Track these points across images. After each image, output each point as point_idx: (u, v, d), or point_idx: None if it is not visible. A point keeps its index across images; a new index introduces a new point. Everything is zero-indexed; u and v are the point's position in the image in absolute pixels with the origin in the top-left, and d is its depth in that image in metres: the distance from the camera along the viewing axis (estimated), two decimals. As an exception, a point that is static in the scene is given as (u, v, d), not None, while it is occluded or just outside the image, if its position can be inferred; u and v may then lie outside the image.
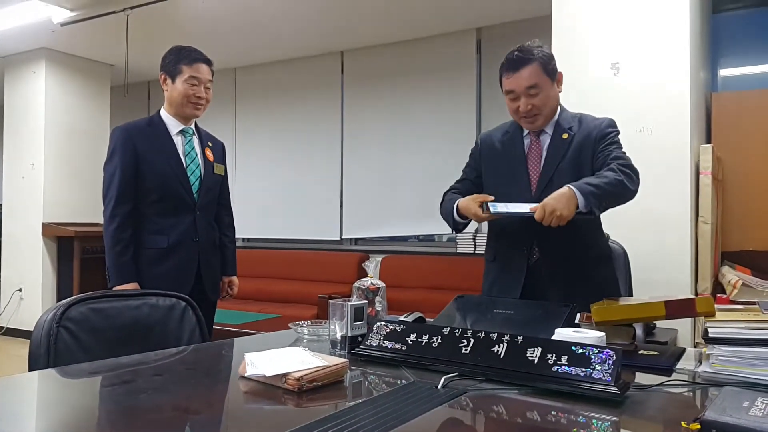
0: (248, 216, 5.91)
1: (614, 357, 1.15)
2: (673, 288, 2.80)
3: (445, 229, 4.90)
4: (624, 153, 1.90)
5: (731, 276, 2.94)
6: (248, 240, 6.13)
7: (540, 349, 1.22)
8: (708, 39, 3.74)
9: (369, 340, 1.40)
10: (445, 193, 2.12)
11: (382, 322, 1.43)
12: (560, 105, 2.02)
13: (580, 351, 1.18)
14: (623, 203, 1.89)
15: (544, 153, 1.94)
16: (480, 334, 1.30)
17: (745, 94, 3.47)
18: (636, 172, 1.84)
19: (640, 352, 1.49)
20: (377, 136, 5.37)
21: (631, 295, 2.47)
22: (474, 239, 4.66)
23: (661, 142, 2.84)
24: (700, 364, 1.38)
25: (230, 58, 5.76)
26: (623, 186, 1.77)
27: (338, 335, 1.47)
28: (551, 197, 1.72)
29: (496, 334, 1.29)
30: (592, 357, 1.16)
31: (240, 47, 5.47)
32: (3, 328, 5.79)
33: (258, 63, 6.00)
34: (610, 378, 1.11)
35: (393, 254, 5.25)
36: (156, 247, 2.33)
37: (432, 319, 1.91)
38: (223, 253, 2.59)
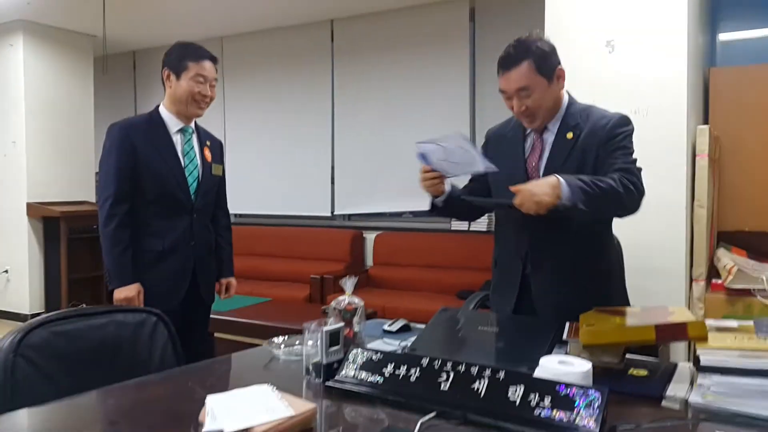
0: (238, 191, 5.77)
1: (600, 399, 1.09)
2: (667, 274, 2.73)
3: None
4: (632, 162, 1.72)
5: (726, 260, 2.88)
6: (239, 216, 6.04)
7: (522, 387, 1.15)
8: (708, 7, 3.57)
9: (344, 370, 1.33)
10: None
11: (359, 350, 1.36)
12: (569, 97, 1.84)
13: (564, 392, 1.11)
14: (616, 216, 1.77)
15: (546, 154, 1.79)
16: (460, 367, 1.23)
17: (744, 70, 3.33)
18: (640, 190, 1.67)
19: (629, 372, 1.43)
20: (369, 108, 5.23)
21: (624, 287, 2.39)
22: (467, 216, 4.58)
23: (657, 124, 2.72)
24: (692, 387, 1.32)
25: (217, 26, 5.54)
26: (620, 198, 1.62)
27: (312, 361, 1.40)
28: (533, 183, 1.61)
29: (477, 368, 1.22)
30: (577, 399, 1.10)
31: (226, 15, 5.25)
32: (-9, 309, 5.75)
33: (245, 32, 5.79)
34: (594, 425, 1.05)
35: (387, 231, 5.17)
36: (151, 249, 2.27)
37: (420, 325, 1.85)
38: (220, 256, 2.52)
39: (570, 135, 1.76)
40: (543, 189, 1.57)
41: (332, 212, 5.43)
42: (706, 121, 3.26)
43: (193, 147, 2.35)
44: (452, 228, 4.74)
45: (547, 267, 1.78)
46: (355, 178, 5.29)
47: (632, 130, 1.77)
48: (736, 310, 2.78)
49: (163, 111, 2.32)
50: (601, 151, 1.72)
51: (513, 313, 1.80)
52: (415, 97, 5.01)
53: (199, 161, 2.36)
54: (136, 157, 2.22)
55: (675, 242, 2.76)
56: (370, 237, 5.20)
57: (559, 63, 1.78)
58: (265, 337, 3.35)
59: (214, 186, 2.44)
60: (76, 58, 5.83)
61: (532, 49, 1.69)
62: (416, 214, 5.23)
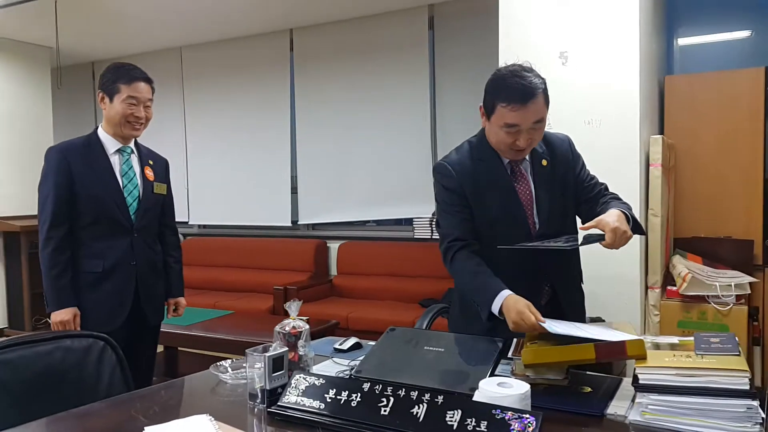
0: (199, 202, 5.75)
1: (535, 423, 1.10)
2: (622, 282, 2.76)
3: (401, 213, 4.88)
4: None
5: (681, 267, 2.93)
6: (201, 227, 5.97)
7: (460, 412, 1.15)
8: (663, 15, 3.64)
9: (287, 396, 1.32)
10: (447, 250, 1.77)
11: (301, 375, 1.35)
12: None
13: (500, 416, 1.12)
14: None
15: (532, 183, 1.78)
16: (400, 391, 1.23)
17: (699, 77, 3.40)
18: None
19: (573, 389, 1.44)
20: (329, 116, 5.20)
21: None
22: (431, 224, 4.59)
23: (610, 134, 2.76)
24: (632, 405, 1.33)
25: (176, 36, 5.46)
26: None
27: (257, 386, 1.38)
28: (613, 219, 1.57)
29: (417, 392, 1.22)
30: (512, 423, 1.10)
31: (185, 25, 5.18)
32: (-51, 327, 5.58)
33: (205, 42, 5.73)
34: (528, 450, 1.06)
35: (351, 240, 5.15)
36: (91, 271, 2.26)
37: (373, 342, 1.84)
38: (169, 274, 2.51)
39: (544, 162, 1.79)
40: (626, 225, 1.59)
41: (293, 222, 5.38)
42: (662, 129, 3.32)
43: (132, 167, 2.36)
44: (415, 236, 4.75)
45: (571, 289, 1.88)
46: (318, 188, 5.26)
47: None
48: (691, 316, 2.83)
49: (101, 132, 2.33)
50: (576, 171, 1.83)
51: None
52: (376, 104, 5.00)
53: (139, 181, 2.36)
54: (72, 180, 2.23)
55: (630, 250, 2.79)
56: (333, 246, 5.17)
57: None
58: (229, 350, 3.36)
59: (157, 205, 2.43)
60: (33, 70, 5.71)
61: (539, 81, 1.64)
62: (380, 223, 5.23)
